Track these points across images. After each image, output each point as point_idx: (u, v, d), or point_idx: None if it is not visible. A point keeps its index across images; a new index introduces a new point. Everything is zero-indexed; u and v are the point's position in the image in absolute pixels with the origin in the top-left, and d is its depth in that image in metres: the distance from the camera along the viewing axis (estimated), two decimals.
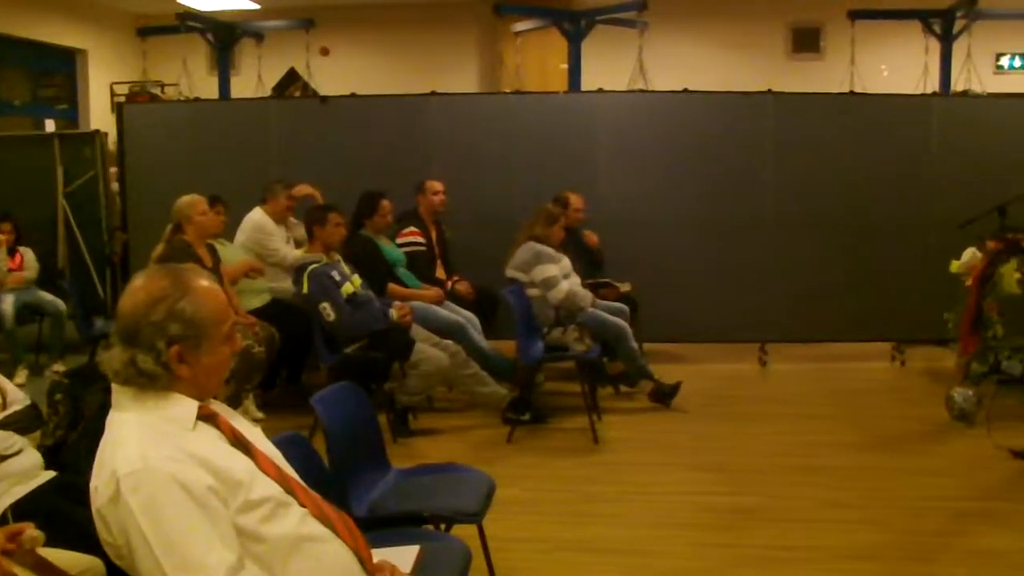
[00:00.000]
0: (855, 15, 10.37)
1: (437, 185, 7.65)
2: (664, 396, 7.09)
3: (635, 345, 7.14)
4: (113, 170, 9.48)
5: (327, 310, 6.05)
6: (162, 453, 2.11)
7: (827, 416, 7.00)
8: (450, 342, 6.63)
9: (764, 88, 8.65)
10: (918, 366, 8.52)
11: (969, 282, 6.86)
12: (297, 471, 2.45)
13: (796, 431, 6.62)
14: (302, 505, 2.29)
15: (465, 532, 3.53)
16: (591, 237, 7.99)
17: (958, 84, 10.29)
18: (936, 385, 7.51)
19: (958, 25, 10.29)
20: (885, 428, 6.67)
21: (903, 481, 5.56)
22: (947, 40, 10.35)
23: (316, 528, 2.29)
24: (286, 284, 6.78)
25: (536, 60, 12.25)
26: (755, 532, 4.82)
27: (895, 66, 11.71)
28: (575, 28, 10.23)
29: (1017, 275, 6.79)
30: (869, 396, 7.60)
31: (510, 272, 6.91)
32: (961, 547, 4.69)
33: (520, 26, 10.86)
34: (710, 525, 4.92)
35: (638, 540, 4.72)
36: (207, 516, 2.08)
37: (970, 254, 6.96)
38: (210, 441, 2.23)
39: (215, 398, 2.39)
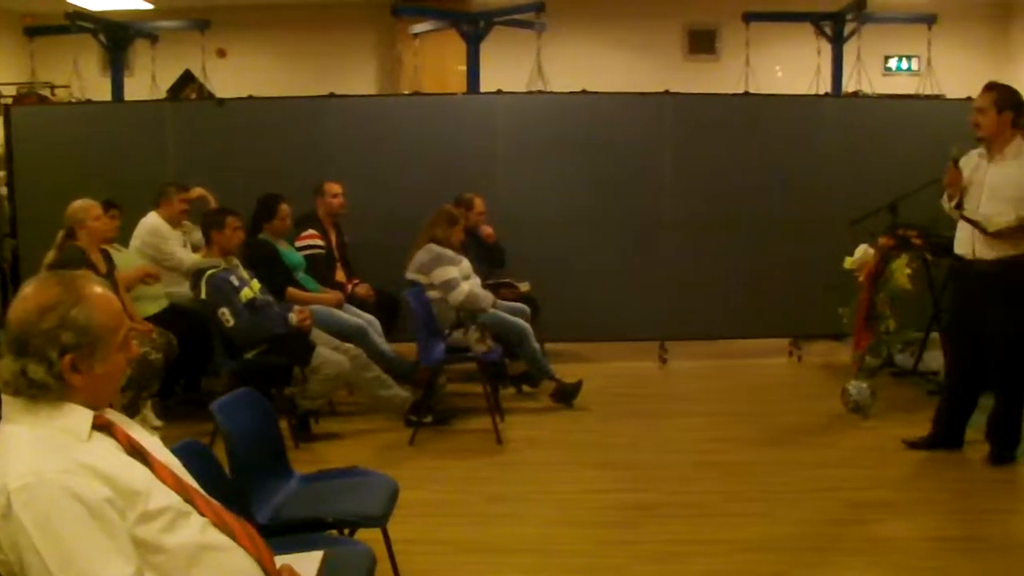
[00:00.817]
0: (749, 17, 10.57)
1: (336, 187, 7.60)
2: (566, 395, 7.13)
3: (536, 345, 7.17)
4: (1, 174, 9.22)
5: (226, 315, 5.96)
6: (55, 465, 2.06)
7: (727, 412, 7.11)
8: (351, 345, 6.59)
9: (661, 89, 8.76)
10: (815, 361, 8.70)
11: (862, 278, 7.02)
12: (197, 479, 2.42)
13: (696, 427, 6.72)
14: (202, 514, 2.26)
15: (369, 536, 3.51)
16: (486, 230, 7.99)
17: (849, 85, 10.54)
18: (832, 379, 7.68)
19: (848, 28, 10.56)
20: (783, 422, 6.80)
21: (801, 474, 5.68)
22: (838, 42, 10.61)
23: (217, 537, 2.26)
24: (183, 289, 6.66)
25: (434, 62, 12.23)
26: (657, 528, 4.87)
27: (789, 67, 11.93)
28: (473, 29, 10.24)
29: (908, 271, 6.98)
30: (767, 391, 7.75)
31: (410, 274, 6.90)
32: (857, 536, 4.83)
33: (418, 27, 10.84)
34: (613, 522, 4.97)
35: (542, 539, 4.74)
36: (104, 529, 2.04)
37: (863, 251, 7.11)
38: (106, 451, 2.18)
39: (111, 407, 2.34)
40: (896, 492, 5.38)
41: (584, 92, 8.77)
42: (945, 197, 5.73)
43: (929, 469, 5.76)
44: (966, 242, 5.66)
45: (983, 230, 5.47)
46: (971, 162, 5.69)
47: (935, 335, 7.49)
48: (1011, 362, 5.66)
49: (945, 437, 5.97)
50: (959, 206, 5.65)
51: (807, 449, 6.20)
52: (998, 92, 5.58)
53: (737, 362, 8.80)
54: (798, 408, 7.13)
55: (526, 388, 7.43)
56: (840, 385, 6.99)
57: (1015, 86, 5.74)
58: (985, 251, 5.53)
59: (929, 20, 10.61)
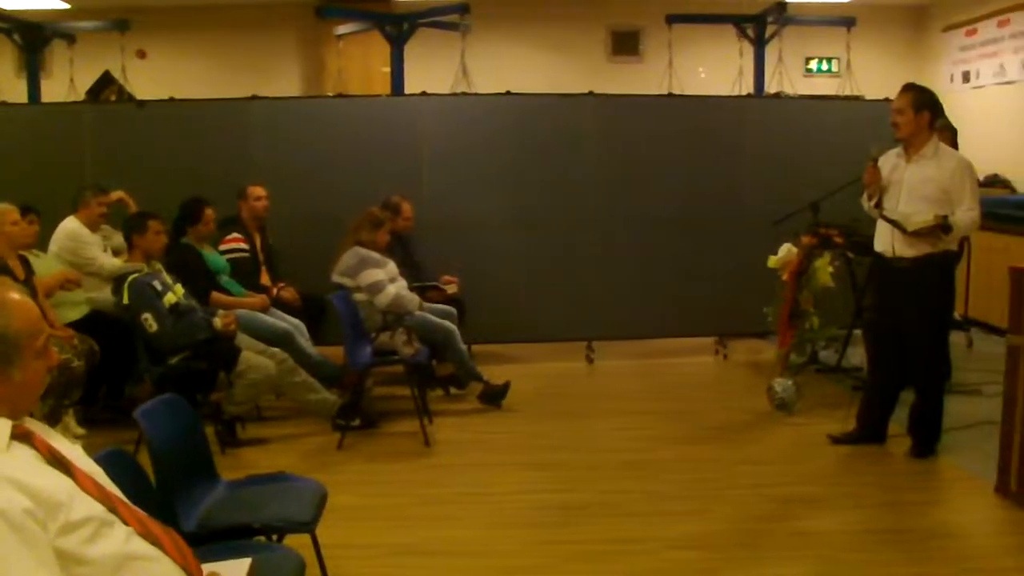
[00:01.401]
0: (672, 19, 10.67)
1: (260, 191, 7.53)
2: (493, 397, 7.14)
3: (463, 347, 7.18)
4: None
5: (149, 321, 5.88)
6: None
7: (654, 411, 7.16)
8: (277, 350, 6.54)
9: (585, 90, 8.81)
10: (740, 359, 8.80)
11: (785, 277, 7.12)
12: (121, 488, 2.38)
13: (625, 426, 6.75)
14: (126, 524, 2.23)
15: (298, 541, 3.49)
16: (448, 281, 7.97)
17: (771, 86, 10.68)
18: (757, 377, 7.78)
19: (770, 30, 10.72)
20: (710, 420, 6.87)
21: (728, 470, 5.76)
22: (760, 44, 10.75)
23: (142, 547, 2.22)
24: (105, 294, 6.55)
25: (359, 63, 12.16)
26: (588, 527, 4.91)
27: (712, 69, 12.05)
28: (397, 31, 10.20)
29: (830, 269, 7.11)
30: (694, 389, 7.82)
31: (336, 277, 6.86)
32: (784, 531, 4.90)
33: (342, 29, 10.78)
34: (543, 523, 4.98)
35: (473, 541, 4.75)
36: (25, 541, 1.99)
37: (786, 250, 7.21)
38: (25, 462, 2.14)
39: (31, 416, 2.30)
40: (822, 487, 5.46)
41: (508, 93, 8.80)
42: (865, 196, 5.88)
43: (854, 463, 5.86)
44: (886, 240, 5.80)
45: (902, 229, 5.59)
46: (889, 162, 5.83)
47: (858, 332, 7.61)
48: (930, 358, 5.78)
49: (869, 432, 6.10)
50: (878, 205, 5.79)
51: (734, 446, 6.27)
52: (915, 93, 5.71)
53: (663, 361, 8.87)
54: (724, 406, 7.20)
55: (454, 390, 7.43)
56: (765, 382, 7.09)
57: (930, 86, 5.87)
58: (904, 249, 5.67)
59: (848, 23, 10.79)
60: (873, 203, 5.81)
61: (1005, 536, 4.88)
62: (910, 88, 5.81)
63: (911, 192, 5.65)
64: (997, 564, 4.48)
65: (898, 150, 5.83)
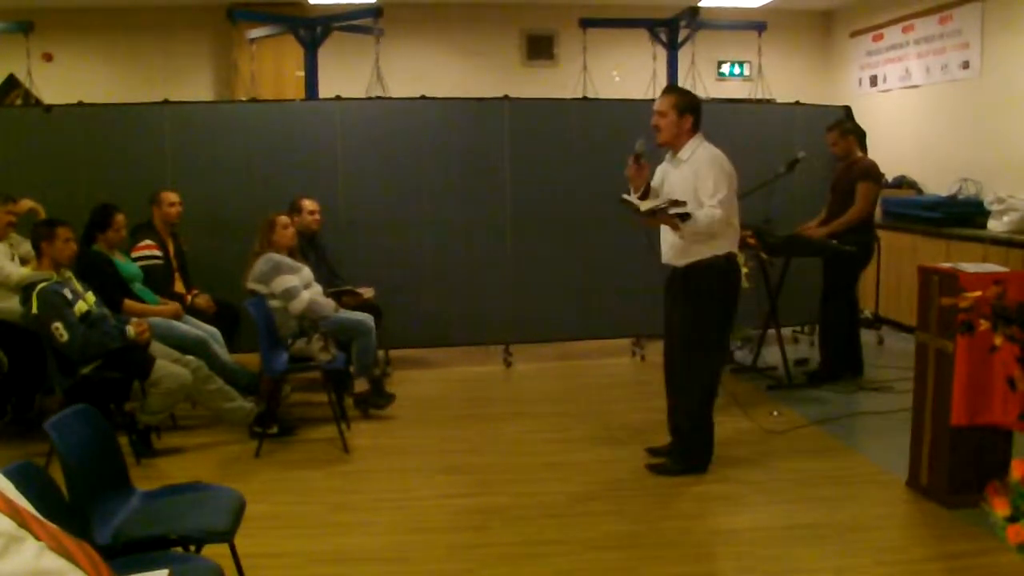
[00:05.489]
0: (586, 23, 10.74)
1: (172, 196, 7.42)
2: (366, 402, 7.09)
3: (373, 344, 7.10)
4: None
5: (59, 330, 5.76)
6: None
7: (572, 413, 7.21)
8: (192, 357, 6.45)
9: (500, 94, 8.82)
10: (657, 360, 8.75)
11: None
12: (32, 502, 2.32)
13: (543, 428, 6.79)
14: (38, 538, 2.18)
15: (216, 551, 3.46)
16: (366, 291, 7.92)
17: None
18: None
19: (682, 34, 10.85)
20: (628, 420, 6.93)
21: (646, 470, 5.80)
22: (673, 48, 10.88)
23: (55, 562, 2.18)
24: (13, 304, 6.38)
25: (271, 67, 12.04)
26: (507, 530, 4.93)
27: (625, 72, 12.15)
28: (311, 35, 10.12)
29: (745, 269, 7.18)
30: (611, 391, 7.87)
31: (250, 284, 6.78)
32: (703, 529, 4.98)
33: (255, 32, 10.66)
34: (462, 527, 5.00)
35: (392, 547, 4.74)
36: None
37: None
38: None
39: None
40: (738, 484, 5.54)
41: (423, 98, 8.78)
42: (631, 192, 5.68)
43: (769, 461, 5.95)
44: (666, 250, 5.76)
45: (636, 210, 5.46)
46: (661, 170, 5.77)
47: (772, 332, 7.74)
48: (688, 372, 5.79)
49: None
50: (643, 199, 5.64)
51: (651, 446, 6.32)
52: (679, 96, 5.66)
53: (581, 363, 8.93)
54: (642, 406, 7.26)
55: (373, 412, 7.24)
56: None
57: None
58: (676, 257, 5.65)
59: (759, 27, 10.94)
60: (637, 196, 5.61)
61: (916, 528, 5.01)
62: (673, 90, 5.78)
63: (672, 195, 5.49)
64: (909, 555, 4.59)
65: (669, 155, 5.73)
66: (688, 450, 5.74)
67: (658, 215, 5.37)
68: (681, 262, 5.60)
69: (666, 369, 6.00)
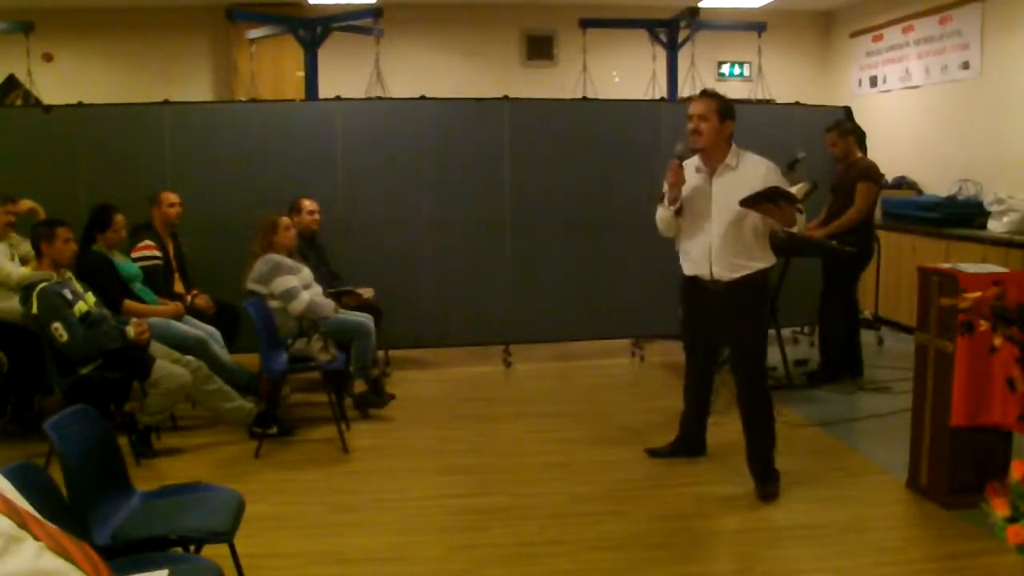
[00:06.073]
0: (586, 24, 10.73)
1: (172, 197, 7.42)
2: (365, 403, 7.09)
3: (372, 345, 7.11)
4: None
5: (59, 330, 5.76)
6: None
7: (571, 413, 7.20)
8: (192, 358, 6.45)
9: (500, 94, 8.82)
10: (656, 360, 8.88)
11: None
12: (32, 503, 2.32)
13: (542, 429, 6.78)
14: (37, 539, 2.18)
15: (216, 552, 3.46)
16: (367, 291, 7.94)
17: (684, 90, 10.79)
18: (674, 377, 7.84)
19: (682, 35, 10.84)
20: (627, 421, 6.93)
21: (646, 471, 5.83)
22: (672, 49, 10.87)
23: (54, 563, 2.17)
24: (13, 304, 6.38)
25: (271, 67, 12.04)
26: (505, 530, 4.92)
27: (625, 73, 12.15)
28: (310, 35, 10.11)
29: None
30: (611, 391, 7.87)
31: (250, 284, 6.78)
32: (702, 529, 4.98)
33: (254, 33, 10.65)
34: (461, 527, 5.00)
35: (391, 548, 4.74)
36: None
37: None
38: None
39: None
40: (737, 485, 5.52)
41: (423, 98, 8.78)
42: (665, 202, 5.40)
43: None
44: (702, 262, 5.39)
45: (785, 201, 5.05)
46: (689, 178, 5.36)
47: (772, 332, 7.73)
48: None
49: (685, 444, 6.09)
50: (679, 213, 5.38)
51: (650, 447, 6.32)
52: (719, 101, 5.34)
53: (580, 363, 8.92)
54: (641, 407, 7.27)
55: (372, 412, 7.24)
56: (682, 383, 7.14)
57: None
58: (725, 270, 5.31)
59: (759, 28, 10.94)
60: (674, 209, 5.35)
61: (916, 528, 5.01)
62: (713, 95, 5.41)
63: (721, 206, 5.22)
64: (908, 556, 4.60)
65: (697, 164, 5.38)
66: (771, 462, 5.46)
67: (783, 206, 5.02)
68: (728, 275, 5.29)
69: (695, 381, 5.97)
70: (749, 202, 5.05)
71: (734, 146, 5.31)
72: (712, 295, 5.38)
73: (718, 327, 5.56)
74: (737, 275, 5.27)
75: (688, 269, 5.50)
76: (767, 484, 5.34)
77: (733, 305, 5.32)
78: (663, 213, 5.43)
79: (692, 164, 5.39)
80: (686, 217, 5.39)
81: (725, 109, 5.29)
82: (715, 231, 5.27)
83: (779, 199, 5.02)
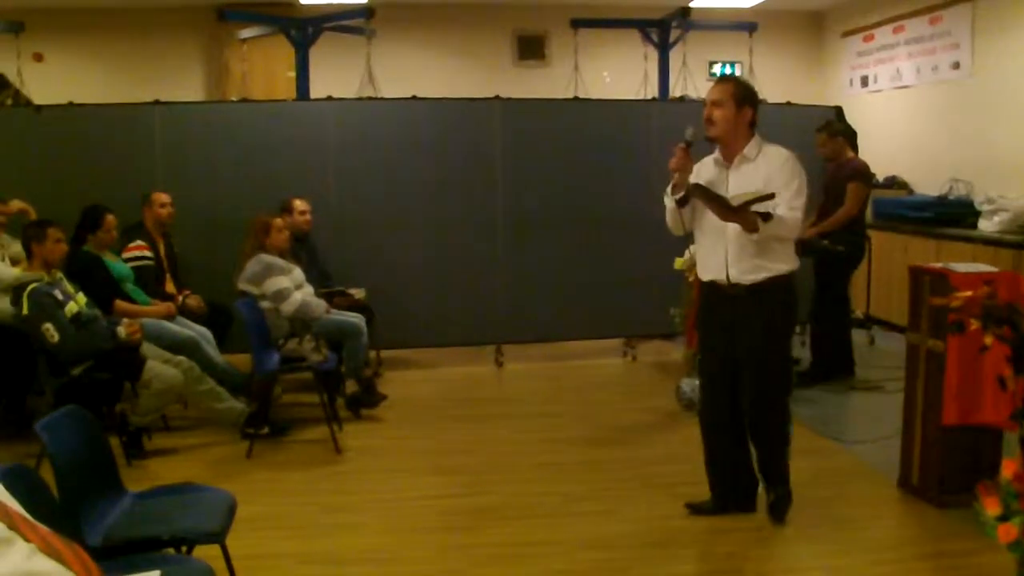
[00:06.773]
0: (577, 23, 10.72)
1: (164, 197, 7.41)
2: (357, 403, 7.10)
3: (364, 345, 7.11)
4: None
5: (50, 331, 5.74)
6: None
7: (563, 413, 7.20)
8: (183, 358, 6.44)
9: (492, 95, 8.82)
10: (648, 360, 8.89)
11: (692, 278, 7.18)
12: (22, 504, 2.31)
13: (534, 429, 6.78)
14: (28, 540, 2.17)
15: (208, 552, 3.46)
16: (358, 294, 7.93)
17: (675, 90, 10.79)
18: (665, 377, 7.87)
19: (674, 35, 10.83)
20: (619, 421, 6.93)
21: (637, 471, 5.81)
22: (664, 48, 10.87)
23: (45, 564, 2.17)
24: (3, 305, 6.38)
25: (262, 67, 12.02)
26: (497, 530, 4.93)
27: (617, 73, 12.14)
28: (302, 35, 10.09)
29: None
30: (603, 391, 7.87)
31: (241, 285, 6.77)
32: (694, 529, 4.97)
33: (245, 33, 10.63)
34: (453, 527, 5.00)
35: (383, 548, 4.74)
36: None
37: (692, 252, 7.23)
38: None
39: None
40: None
41: (415, 98, 8.77)
42: (669, 190, 4.90)
43: None
44: (718, 265, 4.88)
45: (726, 205, 4.60)
46: (706, 171, 4.93)
47: None
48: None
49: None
50: (684, 202, 4.87)
51: (643, 446, 6.34)
52: (736, 85, 4.90)
53: (572, 363, 8.92)
54: (633, 407, 7.27)
55: (365, 412, 7.23)
56: (673, 383, 7.18)
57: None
58: (744, 273, 4.77)
59: (750, 28, 10.94)
60: (678, 197, 4.84)
61: (907, 527, 5.03)
62: (731, 79, 5.09)
63: (737, 198, 4.58)
64: (900, 554, 4.61)
65: (715, 156, 4.94)
66: (787, 489, 5.01)
67: (739, 211, 4.54)
68: (747, 279, 4.75)
69: (718, 419, 5.08)
70: (697, 193, 4.68)
71: (756, 136, 4.83)
72: (731, 303, 4.82)
73: (739, 344, 4.87)
74: (758, 278, 4.73)
75: (704, 273, 4.98)
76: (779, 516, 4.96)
77: (755, 317, 4.77)
78: (667, 204, 4.94)
79: (712, 158, 4.97)
80: (701, 214, 4.88)
81: (743, 94, 4.81)
82: (731, 229, 4.72)
83: (747, 207, 4.54)
